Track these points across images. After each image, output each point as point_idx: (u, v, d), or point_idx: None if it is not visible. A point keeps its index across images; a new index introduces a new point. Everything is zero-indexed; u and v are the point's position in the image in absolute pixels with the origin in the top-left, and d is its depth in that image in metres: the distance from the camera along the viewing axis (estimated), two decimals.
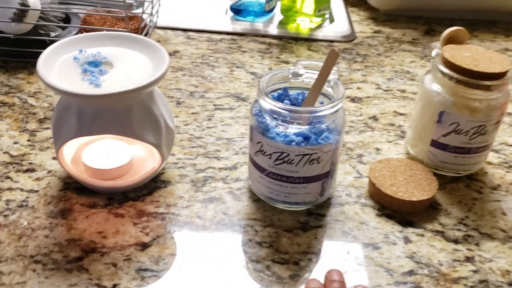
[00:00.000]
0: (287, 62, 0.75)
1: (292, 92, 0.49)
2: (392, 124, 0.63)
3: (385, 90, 0.70)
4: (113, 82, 0.44)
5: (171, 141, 0.50)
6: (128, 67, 0.46)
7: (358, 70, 0.74)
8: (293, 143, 0.44)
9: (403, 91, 0.70)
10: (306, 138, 0.44)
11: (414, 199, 0.48)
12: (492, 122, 0.51)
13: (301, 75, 0.48)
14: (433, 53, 0.54)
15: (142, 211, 0.48)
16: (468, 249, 0.46)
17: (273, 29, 0.84)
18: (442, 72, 0.50)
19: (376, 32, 0.86)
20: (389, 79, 0.72)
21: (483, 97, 0.49)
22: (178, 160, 0.54)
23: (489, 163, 0.57)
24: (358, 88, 0.70)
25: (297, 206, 0.49)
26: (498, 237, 0.47)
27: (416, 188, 0.50)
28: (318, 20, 0.87)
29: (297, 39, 0.82)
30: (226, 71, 0.72)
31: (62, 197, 0.49)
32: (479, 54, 0.51)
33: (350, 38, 0.83)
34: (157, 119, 0.47)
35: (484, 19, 0.94)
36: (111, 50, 0.48)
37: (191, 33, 0.81)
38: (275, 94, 0.49)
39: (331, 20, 0.89)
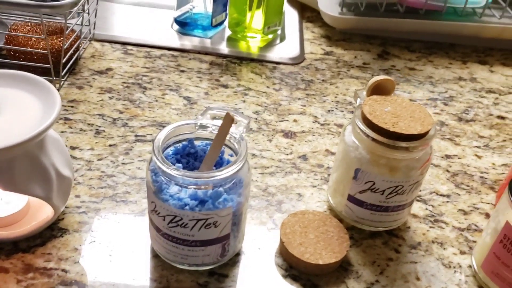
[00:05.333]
0: (225, 86, 0.72)
1: (199, 143, 0.46)
2: (321, 165, 0.60)
3: (322, 124, 0.67)
4: None
5: (66, 190, 0.47)
6: (15, 113, 0.43)
7: (299, 99, 0.71)
8: (187, 207, 0.41)
9: (340, 125, 0.67)
10: (201, 202, 0.41)
11: (321, 262, 0.46)
12: (411, 182, 0.48)
13: (208, 127, 0.45)
14: (357, 102, 0.51)
15: (30, 265, 0.45)
16: None
17: (223, 46, 0.80)
18: (359, 128, 0.47)
19: (327, 53, 0.83)
20: (328, 110, 0.69)
21: (401, 157, 0.47)
22: (82, 203, 0.51)
23: (415, 215, 0.55)
24: (295, 120, 0.67)
25: (197, 267, 0.46)
26: None
27: (325, 248, 0.47)
28: (269, 37, 0.83)
29: (242, 59, 0.78)
30: (158, 95, 0.68)
31: None
32: (402, 108, 0.48)
33: (297, 60, 0.80)
34: (46, 170, 0.43)
35: (442, 42, 0.91)
36: (1, 92, 0.44)
37: (130, 48, 0.77)
38: (180, 145, 0.46)
39: (282, 38, 0.85)
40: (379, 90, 0.50)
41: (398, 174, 0.47)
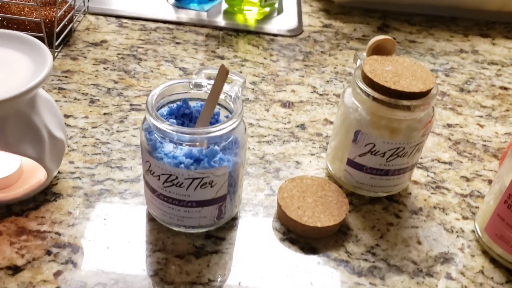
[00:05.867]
0: (222, 57, 0.70)
1: (194, 104, 0.45)
2: (319, 134, 0.59)
3: (321, 94, 0.65)
4: None
5: (59, 153, 0.45)
6: (6, 72, 0.41)
7: (297, 70, 0.70)
8: (182, 165, 0.40)
9: (339, 95, 0.66)
10: (197, 160, 0.40)
11: (319, 225, 0.45)
12: (412, 144, 0.47)
13: (203, 86, 0.44)
14: (358, 63, 0.50)
15: (23, 228, 0.44)
16: (371, 284, 0.43)
17: (220, 19, 0.79)
18: (360, 88, 0.46)
19: (325, 26, 0.82)
20: (327, 81, 0.68)
21: (402, 117, 0.45)
22: (76, 169, 0.50)
23: (416, 182, 0.54)
24: (293, 91, 0.66)
25: (193, 230, 0.45)
26: (407, 270, 0.44)
27: (323, 212, 0.46)
28: (266, 10, 0.82)
29: (238, 31, 0.77)
30: (153, 66, 0.67)
31: None
32: (403, 68, 0.47)
33: (295, 32, 0.78)
34: (38, 130, 0.42)
35: (443, 15, 0.89)
36: None
37: (125, 21, 0.76)
38: (174, 105, 0.45)
39: (280, 11, 0.84)
40: (379, 50, 0.49)
41: (399, 136, 0.46)
